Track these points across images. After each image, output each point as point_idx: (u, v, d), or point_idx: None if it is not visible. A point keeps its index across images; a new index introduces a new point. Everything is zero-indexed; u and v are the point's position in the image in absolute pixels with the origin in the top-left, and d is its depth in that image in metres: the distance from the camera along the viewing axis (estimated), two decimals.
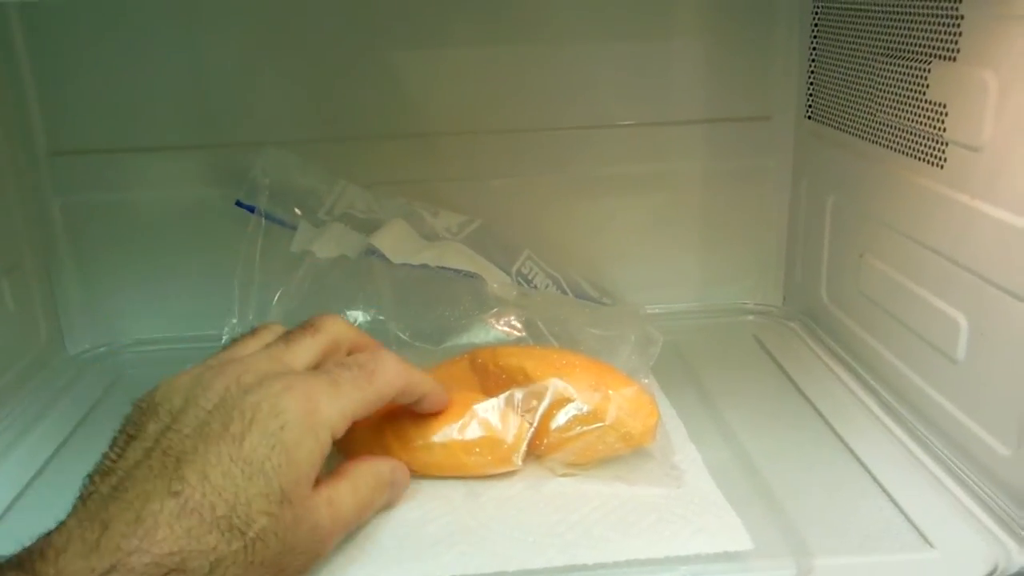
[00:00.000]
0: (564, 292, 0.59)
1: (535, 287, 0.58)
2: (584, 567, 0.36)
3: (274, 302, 0.52)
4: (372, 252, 0.53)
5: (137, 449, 0.32)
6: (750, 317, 0.68)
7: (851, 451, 0.48)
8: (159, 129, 0.61)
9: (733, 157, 0.66)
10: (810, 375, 0.57)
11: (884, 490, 0.44)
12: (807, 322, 0.65)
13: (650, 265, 0.68)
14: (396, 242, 0.54)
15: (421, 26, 0.61)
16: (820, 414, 0.52)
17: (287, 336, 0.38)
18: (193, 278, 0.63)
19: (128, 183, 0.62)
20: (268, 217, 0.55)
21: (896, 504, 0.43)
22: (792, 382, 0.56)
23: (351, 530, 0.37)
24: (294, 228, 0.55)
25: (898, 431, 0.49)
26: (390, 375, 0.37)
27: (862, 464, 0.46)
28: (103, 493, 0.31)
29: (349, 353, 0.40)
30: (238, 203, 0.56)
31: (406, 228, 0.56)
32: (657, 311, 0.68)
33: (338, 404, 0.35)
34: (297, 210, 0.56)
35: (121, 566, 0.28)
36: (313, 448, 0.33)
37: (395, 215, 0.56)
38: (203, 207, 0.62)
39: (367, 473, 0.38)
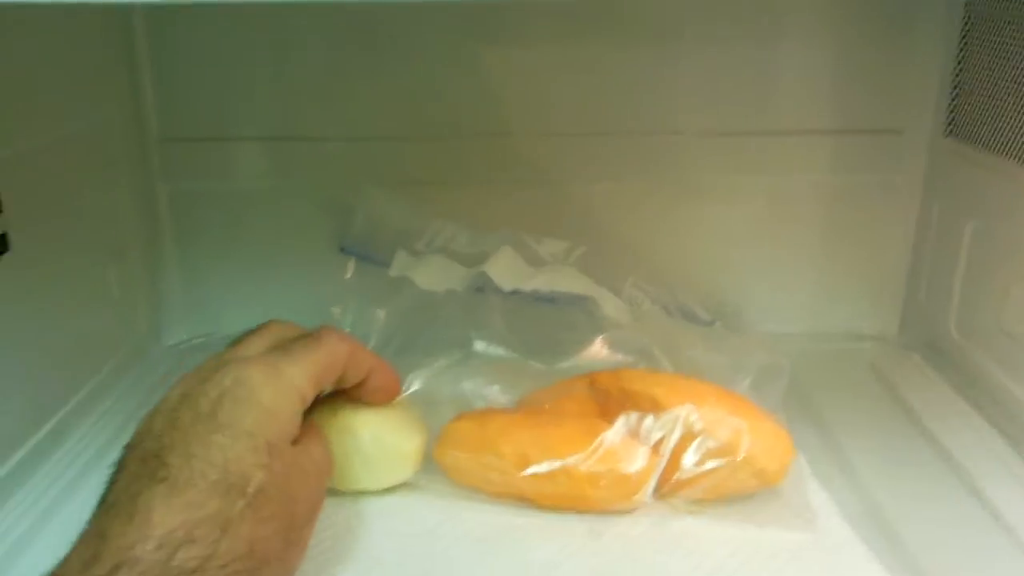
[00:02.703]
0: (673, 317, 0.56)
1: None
2: None
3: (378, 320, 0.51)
4: (479, 284, 0.52)
5: (122, 474, 0.32)
6: (866, 344, 0.64)
7: (991, 507, 0.44)
8: (263, 120, 0.60)
9: (856, 172, 0.62)
10: (940, 417, 0.52)
11: None
12: (930, 355, 0.60)
13: (758, 283, 0.65)
14: (506, 269, 0.53)
15: (514, 22, 0.58)
16: (954, 461, 0.48)
17: (287, 346, 0.37)
18: (293, 271, 0.62)
19: (234, 172, 0.61)
20: (367, 259, 0.54)
21: None
22: (920, 423, 0.52)
23: (331, 475, 0.38)
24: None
25: None
26: (335, 339, 0.38)
27: (1004, 523, 0.43)
28: (97, 516, 0.31)
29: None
30: (342, 249, 0.55)
31: (515, 255, 0.54)
32: (764, 333, 0.64)
33: (297, 366, 0.35)
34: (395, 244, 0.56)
35: (126, 561, 0.28)
36: (286, 405, 0.34)
37: (499, 245, 0.55)
38: (305, 199, 0.61)
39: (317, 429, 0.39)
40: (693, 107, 0.61)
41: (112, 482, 0.32)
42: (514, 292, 0.53)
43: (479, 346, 0.48)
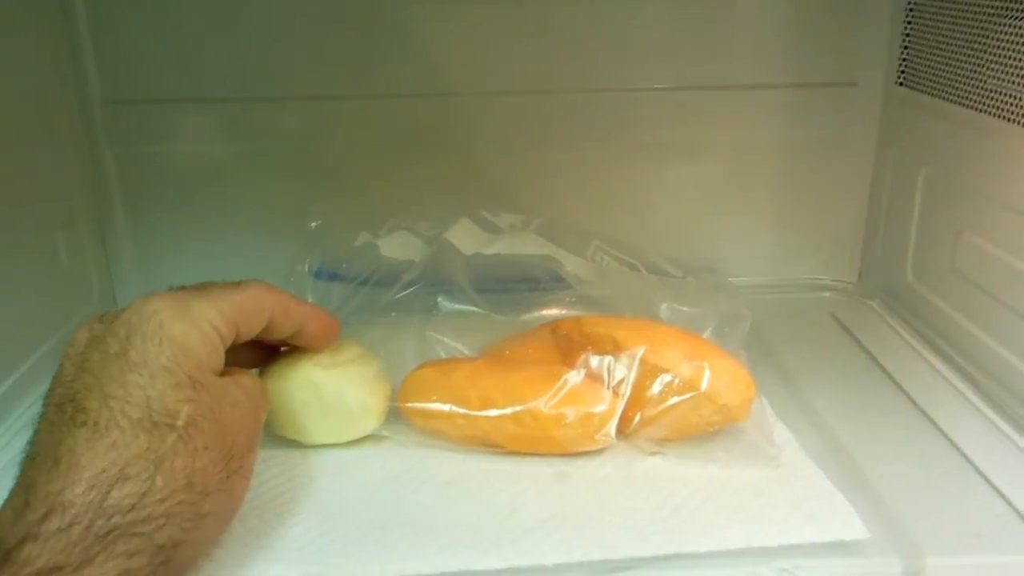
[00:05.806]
0: None
1: None
2: (695, 555, 0.34)
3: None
4: (441, 252, 0.52)
5: (42, 424, 0.31)
6: (826, 294, 0.65)
7: (950, 440, 0.45)
8: (207, 81, 0.59)
9: (813, 125, 0.63)
10: (897, 357, 0.54)
11: (991, 484, 0.41)
12: (888, 300, 0.61)
13: (720, 238, 0.65)
14: (467, 236, 0.53)
15: None
16: (912, 400, 0.49)
17: (202, 287, 0.36)
18: (249, 233, 0.61)
19: (186, 135, 0.59)
20: (339, 278, 0.53)
21: (1006, 499, 0.40)
22: (878, 364, 0.53)
23: (268, 407, 0.37)
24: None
25: (1000, 421, 0.46)
26: (260, 288, 0.36)
27: (964, 455, 0.44)
28: (23, 469, 0.30)
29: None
30: (315, 276, 0.53)
31: (473, 225, 0.55)
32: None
33: (209, 303, 0.34)
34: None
35: (57, 506, 0.27)
36: (201, 339, 0.32)
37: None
38: (260, 161, 0.60)
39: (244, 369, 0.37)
40: (649, 63, 0.60)
41: (35, 434, 0.30)
42: (476, 256, 0.52)
43: (443, 302, 0.47)
